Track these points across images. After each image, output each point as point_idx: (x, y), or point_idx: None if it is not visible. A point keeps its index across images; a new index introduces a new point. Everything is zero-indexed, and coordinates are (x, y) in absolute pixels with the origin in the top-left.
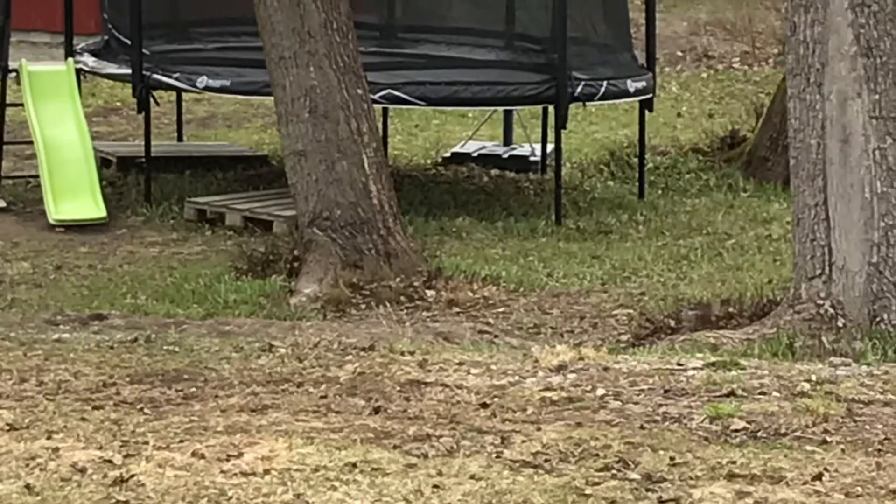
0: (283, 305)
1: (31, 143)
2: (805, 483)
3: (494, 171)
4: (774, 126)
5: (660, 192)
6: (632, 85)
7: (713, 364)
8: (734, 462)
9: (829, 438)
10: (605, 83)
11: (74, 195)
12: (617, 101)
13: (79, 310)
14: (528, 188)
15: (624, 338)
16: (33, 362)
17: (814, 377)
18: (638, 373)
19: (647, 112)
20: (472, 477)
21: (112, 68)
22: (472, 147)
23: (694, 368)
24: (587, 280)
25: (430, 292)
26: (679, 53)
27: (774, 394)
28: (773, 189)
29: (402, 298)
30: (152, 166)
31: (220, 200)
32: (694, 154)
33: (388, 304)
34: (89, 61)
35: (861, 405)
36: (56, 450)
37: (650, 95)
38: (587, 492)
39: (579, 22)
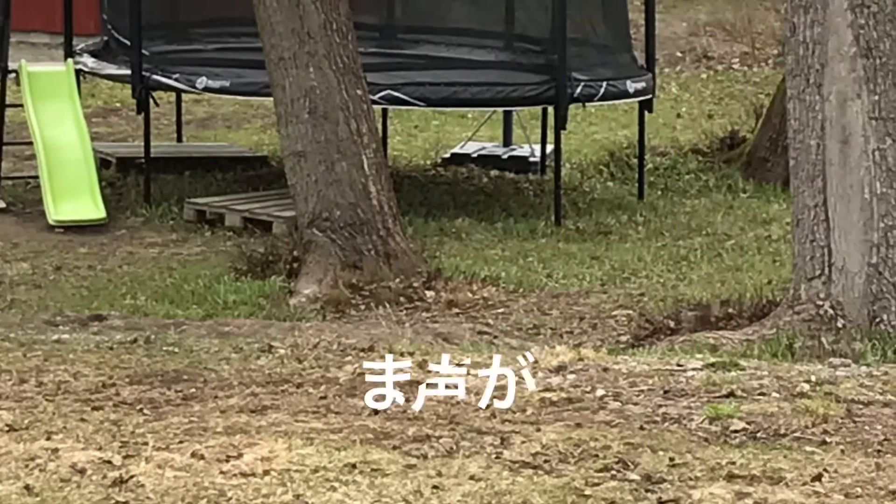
0: (282, 306)
1: (30, 143)
2: (804, 484)
3: (494, 172)
4: (774, 127)
5: (659, 192)
6: (631, 86)
7: (713, 365)
8: (734, 463)
9: (828, 439)
10: (604, 84)
11: (74, 196)
12: (616, 102)
13: (78, 311)
14: (527, 189)
15: (623, 339)
16: (33, 363)
17: (813, 378)
18: (637, 373)
19: (646, 113)
20: (471, 477)
21: (111, 69)
22: (471, 148)
23: (693, 369)
24: (587, 281)
25: (429, 293)
26: (678, 54)
27: (774, 394)
28: (773, 190)
29: (402, 299)
30: (152, 167)
31: (220, 201)
32: (693, 155)
33: (387, 305)
34: (89, 62)
35: (860, 406)
36: (55, 450)
37: (650, 96)
38: (587, 492)
39: (579, 23)
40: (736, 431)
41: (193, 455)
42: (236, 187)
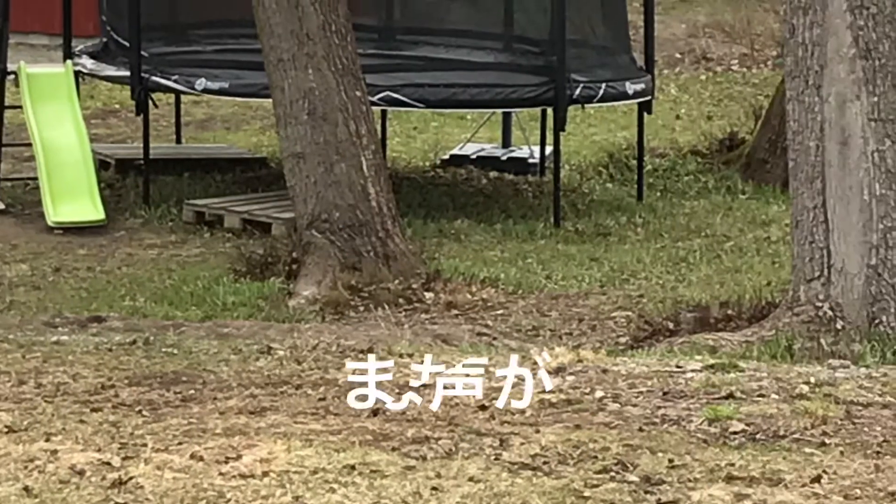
0: (281, 308)
1: (29, 145)
2: (804, 485)
3: (493, 174)
4: (773, 128)
5: (658, 194)
6: (630, 87)
7: (712, 366)
8: (733, 464)
9: (827, 441)
10: (603, 85)
11: (73, 197)
12: (616, 104)
13: (77, 312)
14: (526, 190)
15: (622, 340)
16: (32, 364)
17: (812, 379)
18: (637, 375)
19: (645, 114)
20: (470, 479)
21: (111, 70)
22: (470, 149)
23: (693, 370)
24: (586, 282)
25: (428, 294)
26: (678, 55)
27: (773, 396)
28: (772, 191)
29: (401, 300)
30: (151, 168)
31: (219, 202)
32: (692, 156)
33: (386, 307)
34: (88, 63)
35: (860, 407)
36: (55, 452)
37: (649, 97)
38: (586, 494)
39: (578, 24)
40: (735, 433)
41: (192, 456)
42: (235, 189)
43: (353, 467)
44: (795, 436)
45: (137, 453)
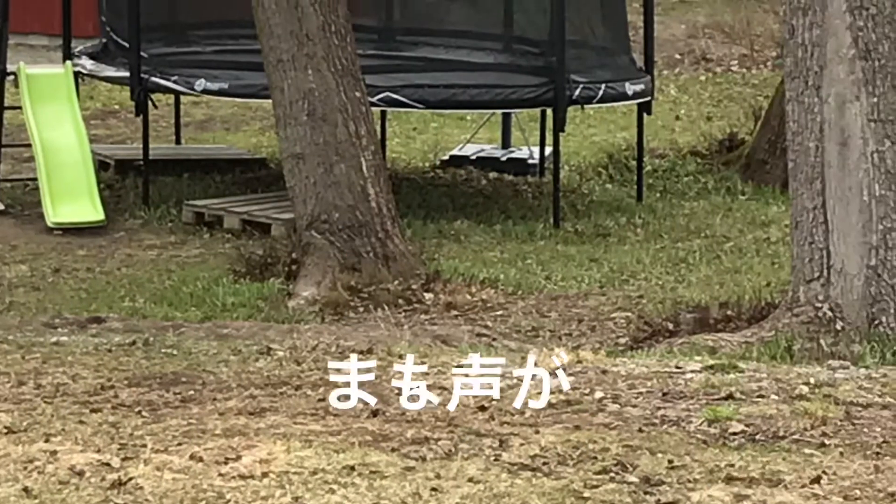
0: (281, 308)
1: (29, 145)
2: (803, 486)
3: (493, 174)
4: (773, 129)
5: (658, 194)
6: (630, 88)
7: (711, 367)
8: (732, 465)
9: (827, 441)
10: (603, 86)
11: (72, 198)
12: (615, 104)
13: (77, 313)
14: (526, 191)
15: (622, 341)
16: (31, 365)
17: (812, 380)
18: (636, 376)
19: (645, 115)
20: (470, 480)
21: (110, 71)
22: (470, 150)
23: (692, 371)
24: (585, 283)
25: (428, 295)
26: (677, 56)
27: (773, 397)
28: (772, 192)
29: (401, 301)
30: (150, 169)
31: (219, 203)
32: (692, 157)
33: (386, 307)
34: (87, 64)
35: (859, 408)
36: (54, 453)
37: (648, 98)
38: (585, 495)
39: (577, 25)
40: (735, 434)
41: (192, 457)
42: (235, 189)
43: (352, 468)
44: (795, 436)
45: (137, 454)
